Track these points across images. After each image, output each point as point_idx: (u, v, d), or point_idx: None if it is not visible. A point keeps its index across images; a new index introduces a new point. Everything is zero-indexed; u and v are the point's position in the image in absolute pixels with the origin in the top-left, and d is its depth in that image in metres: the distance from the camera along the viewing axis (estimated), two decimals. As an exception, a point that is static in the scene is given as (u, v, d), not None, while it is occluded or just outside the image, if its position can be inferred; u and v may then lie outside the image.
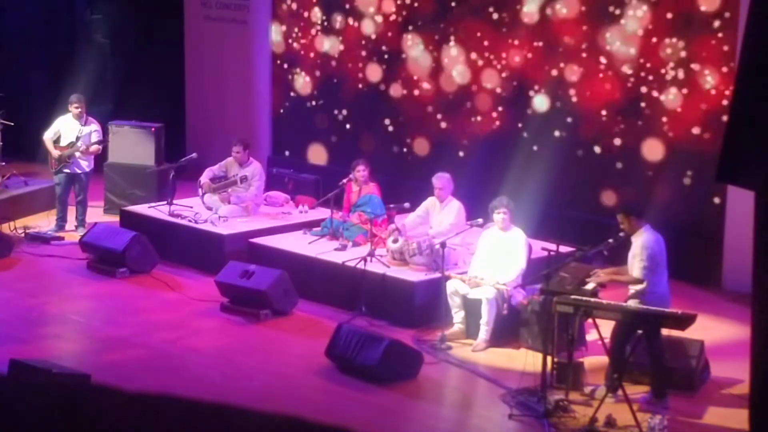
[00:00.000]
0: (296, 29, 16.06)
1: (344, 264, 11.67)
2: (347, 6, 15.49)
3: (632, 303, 9.49)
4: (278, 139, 16.54)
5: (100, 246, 12.90)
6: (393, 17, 15.10)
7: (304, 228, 12.91)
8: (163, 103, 16.81)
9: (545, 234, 11.96)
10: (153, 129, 15.26)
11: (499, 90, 14.25)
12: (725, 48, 12.42)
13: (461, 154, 14.52)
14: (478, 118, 14.46)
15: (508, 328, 10.74)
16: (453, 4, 14.52)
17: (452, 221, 11.75)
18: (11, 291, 12.18)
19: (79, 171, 14.07)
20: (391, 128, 15.26)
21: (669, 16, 12.83)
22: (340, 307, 11.57)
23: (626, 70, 13.18)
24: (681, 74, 12.78)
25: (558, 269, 9.79)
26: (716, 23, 12.49)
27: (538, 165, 13.73)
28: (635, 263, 9.60)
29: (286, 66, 16.27)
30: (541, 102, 13.91)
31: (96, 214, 14.70)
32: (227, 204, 13.35)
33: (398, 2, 15.01)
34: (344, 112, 15.75)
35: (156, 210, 13.55)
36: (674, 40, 12.79)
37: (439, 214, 11.96)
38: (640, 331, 9.36)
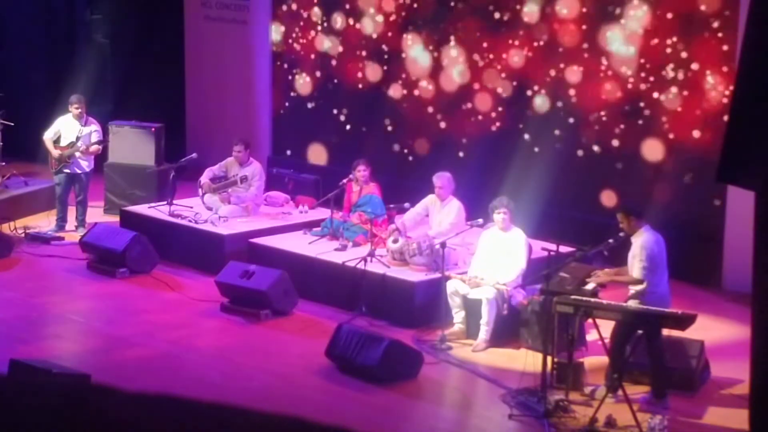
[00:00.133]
0: (296, 29, 16.06)
1: (344, 264, 11.67)
2: (347, 6, 15.49)
3: (632, 303, 9.49)
4: (278, 139, 16.54)
5: (101, 246, 12.90)
6: (393, 17, 15.10)
7: (304, 228, 12.91)
8: (163, 103, 16.81)
9: (545, 234, 11.95)
10: (153, 129, 15.26)
11: (499, 90, 14.25)
12: (725, 48, 12.42)
13: (461, 154, 14.52)
14: (479, 118, 14.46)
15: (508, 329, 10.74)
16: (453, 3, 14.52)
17: (452, 221, 11.75)
18: (11, 291, 12.18)
19: (79, 171, 14.07)
20: (391, 128, 15.26)
21: (669, 16, 12.83)
22: (340, 307, 11.57)
23: (626, 70, 13.18)
24: (681, 74, 12.78)
25: (558, 269, 9.79)
26: (716, 23, 12.49)
27: (538, 165, 13.73)
28: (635, 263, 9.60)
29: (286, 66, 16.27)
30: (541, 102, 13.91)
31: (96, 214, 14.70)
32: (227, 204, 13.35)
33: (398, 2, 15.01)
34: (344, 112, 15.75)
35: (156, 210, 13.55)
36: (674, 40, 12.79)
37: (439, 213, 11.96)
38: (640, 332, 9.36)
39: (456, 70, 14.59)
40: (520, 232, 11.01)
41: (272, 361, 10.46)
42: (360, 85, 15.52)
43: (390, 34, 15.15)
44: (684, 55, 12.74)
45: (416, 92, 14.98)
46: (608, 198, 13.42)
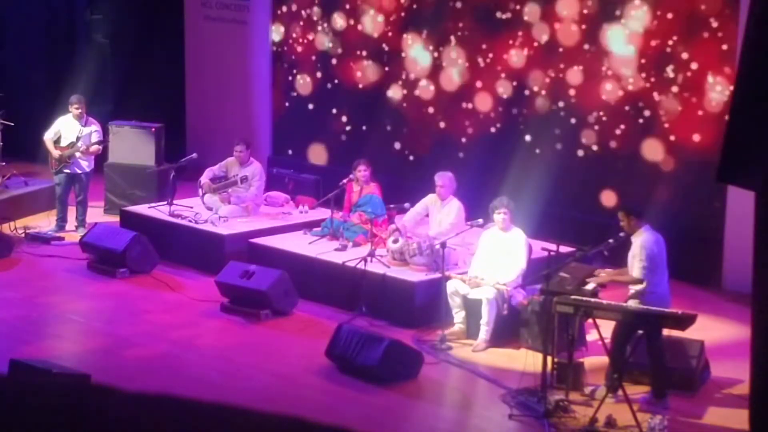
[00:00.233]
0: (296, 29, 16.06)
1: (344, 264, 11.67)
2: (347, 6, 15.49)
3: (632, 303, 9.50)
4: (278, 139, 16.54)
5: (101, 246, 12.90)
6: (393, 17, 15.10)
7: (304, 228, 12.91)
8: (163, 103, 16.81)
9: (545, 234, 11.95)
10: (153, 129, 15.26)
11: (499, 90, 14.25)
12: (725, 48, 12.42)
13: (461, 154, 14.52)
14: (479, 118, 14.46)
15: (509, 329, 10.74)
16: (453, 3, 14.52)
17: (452, 220, 11.75)
18: (11, 291, 12.18)
19: (79, 171, 14.07)
20: (391, 128, 15.26)
21: (669, 16, 12.83)
22: (340, 307, 11.57)
23: (626, 70, 13.18)
24: (681, 75, 12.78)
25: (558, 269, 9.79)
26: (716, 23, 12.49)
27: (538, 165, 13.73)
28: (635, 263, 9.60)
29: (286, 66, 16.27)
30: (541, 102, 13.91)
31: (96, 214, 14.70)
32: (227, 204, 13.35)
33: (398, 2, 15.01)
34: (344, 112, 15.74)
35: (156, 210, 13.55)
36: (674, 40, 12.79)
37: (439, 213, 11.96)
38: (640, 332, 9.36)
39: (456, 70, 14.59)
40: (520, 232, 11.01)
41: (272, 361, 10.46)
42: (360, 85, 15.52)
43: (390, 34, 15.15)
44: (684, 55, 12.74)
45: (416, 92, 14.98)
46: (608, 198, 13.42)
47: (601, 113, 13.44)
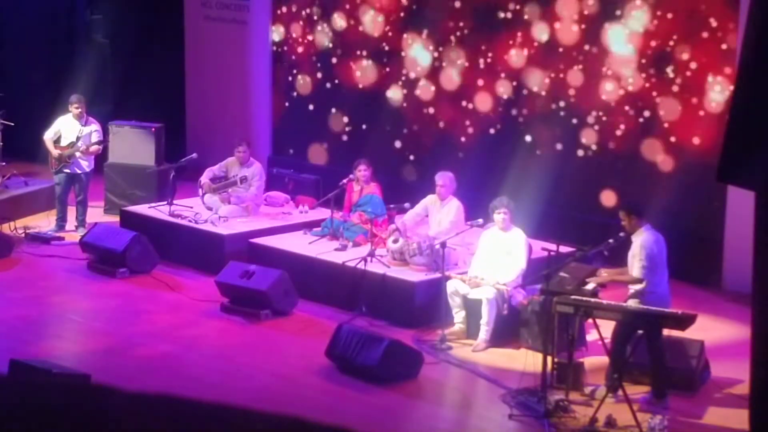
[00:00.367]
0: (296, 29, 16.06)
1: (344, 264, 11.68)
2: (347, 6, 15.48)
3: (632, 303, 9.49)
4: (278, 139, 16.54)
5: (101, 246, 12.90)
6: (393, 17, 15.10)
7: (304, 228, 12.91)
8: (163, 103, 16.81)
9: (545, 234, 11.95)
10: (153, 129, 15.26)
11: (499, 90, 14.25)
12: (725, 48, 12.42)
13: (461, 154, 14.52)
14: (479, 118, 14.46)
15: (508, 329, 10.74)
16: (453, 3, 14.52)
17: (452, 219, 11.75)
18: (11, 291, 12.18)
19: (79, 171, 14.07)
20: (391, 128, 15.25)
21: (669, 16, 12.83)
22: (340, 307, 11.57)
23: (626, 70, 13.18)
24: (681, 75, 12.78)
25: (558, 269, 9.79)
26: (716, 23, 12.49)
27: (538, 165, 13.74)
28: (634, 263, 9.61)
29: (286, 66, 16.27)
30: (541, 102, 13.91)
31: (96, 214, 14.70)
32: (227, 204, 13.35)
33: (398, 2, 15.01)
34: (344, 112, 15.74)
35: (156, 210, 13.55)
36: (675, 40, 12.79)
37: (438, 213, 11.96)
38: (640, 332, 9.36)
39: (456, 70, 14.59)
40: (520, 232, 11.01)
41: (272, 361, 10.45)
42: (360, 85, 15.51)
43: (390, 33, 15.15)
44: (684, 55, 12.74)
45: (416, 92, 14.98)
46: (608, 198, 13.42)
47: (601, 113, 13.44)
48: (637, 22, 13.04)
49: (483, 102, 14.40)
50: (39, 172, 15.83)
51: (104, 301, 12.17)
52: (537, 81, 13.90)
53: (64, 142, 14.08)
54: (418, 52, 14.91)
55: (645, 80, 13.05)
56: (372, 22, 15.29)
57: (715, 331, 11.11)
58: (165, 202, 13.62)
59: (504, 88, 14.20)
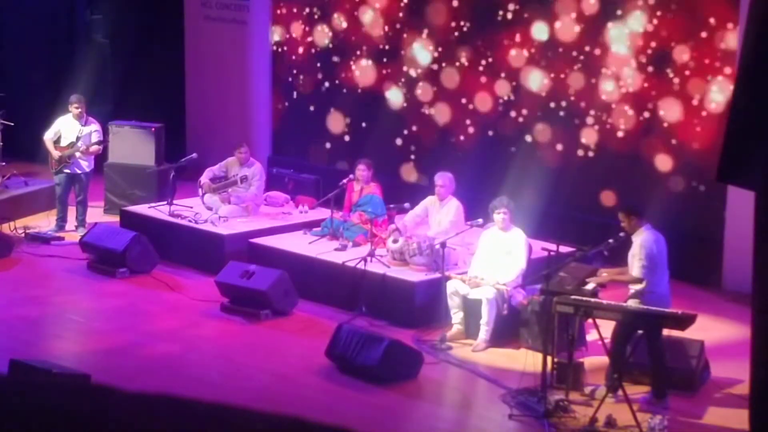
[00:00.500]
0: (296, 29, 16.05)
1: (344, 264, 11.68)
2: (347, 6, 15.48)
3: (632, 303, 9.50)
4: (278, 139, 16.54)
5: (101, 246, 12.90)
6: (393, 17, 15.09)
7: (304, 228, 12.91)
8: (163, 103, 16.81)
9: (545, 234, 11.95)
10: (153, 129, 15.26)
11: (499, 90, 14.24)
12: (725, 48, 12.42)
13: (461, 154, 14.51)
14: (479, 118, 14.46)
15: (508, 328, 10.74)
16: (453, 3, 14.52)
17: (452, 219, 11.75)
18: (11, 291, 12.18)
19: (79, 171, 14.07)
20: (390, 128, 15.24)
21: (669, 16, 12.83)
22: (340, 307, 11.57)
23: (626, 70, 13.18)
24: (681, 74, 12.78)
25: (558, 269, 9.79)
26: (716, 23, 12.49)
27: (538, 165, 13.74)
28: (634, 263, 9.61)
29: (286, 66, 16.26)
30: (541, 102, 13.91)
31: (96, 214, 14.70)
32: (227, 204, 13.35)
33: (399, 2, 15.01)
34: (344, 112, 15.74)
35: (156, 210, 13.55)
36: (675, 40, 12.79)
37: (438, 213, 11.96)
38: (640, 331, 9.36)
39: (456, 70, 14.58)
40: (520, 232, 11.01)
41: (272, 361, 10.46)
42: (360, 85, 15.51)
43: (390, 34, 15.14)
44: (684, 55, 12.74)
45: (416, 92, 14.98)
46: (608, 198, 13.42)
47: (601, 113, 13.44)
48: (637, 22, 13.04)
49: (483, 102, 14.40)
50: (39, 172, 15.83)
51: (104, 301, 12.17)
52: (537, 81, 13.90)
53: (64, 143, 14.08)
54: (418, 52, 14.91)
55: (645, 80, 13.05)
56: (372, 22, 15.29)
57: (715, 331, 11.11)
58: (165, 202, 13.62)
59: (504, 88, 14.20)
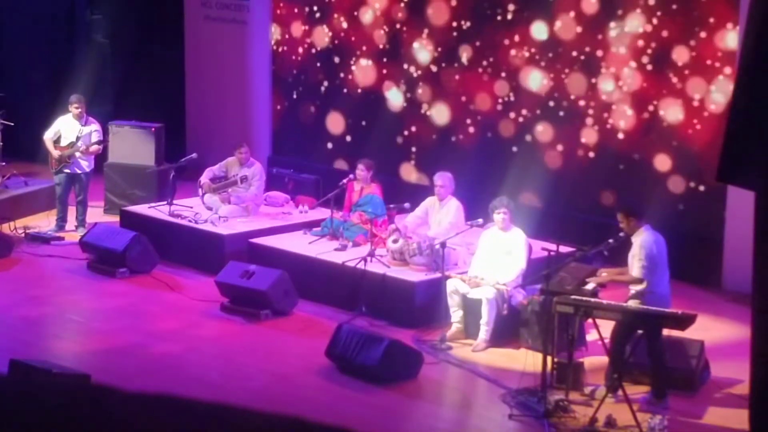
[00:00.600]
0: (296, 29, 16.05)
1: (344, 264, 11.68)
2: (347, 5, 15.48)
3: (632, 303, 9.49)
4: (278, 139, 16.54)
5: (101, 246, 12.90)
6: (394, 17, 15.09)
7: (304, 228, 12.91)
8: (163, 103, 16.81)
9: (545, 234, 11.96)
10: (153, 129, 15.26)
11: (499, 90, 14.24)
12: (725, 48, 12.42)
13: (461, 154, 14.51)
14: (479, 118, 14.46)
15: (508, 328, 10.74)
16: (454, 3, 14.52)
17: (451, 219, 11.75)
18: (11, 291, 12.18)
19: (79, 171, 14.07)
20: (390, 128, 15.24)
21: (670, 16, 12.83)
22: (340, 307, 11.57)
23: (627, 70, 13.18)
24: (681, 75, 12.78)
25: (558, 269, 9.79)
26: (716, 23, 12.49)
27: (538, 165, 13.74)
28: (634, 263, 9.61)
29: (286, 66, 16.26)
30: (541, 102, 13.91)
31: (96, 214, 14.70)
32: (227, 204, 13.35)
33: (399, 3, 15.01)
34: (344, 111, 15.74)
35: (156, 210, 13.55)
36: (675, 40, 12.79)
37: (438, 213, 11.96)
38: (640, 332, 9.36)
39: (456, 69, 14.58)
40: (520, 232, 11.01)
41: (272, 361, 10.46)
42: (360, 85, 15.51)
43: (390, 33, 15.14)
44: (684, 55, 12.74)
45: (416, 92, 14.98)
46: (608, 198, 13.42)
47: (601, 113, 13.44)
48: (637, 21, 13.04)
49: (483, 102, 14.40)
50: (39, 172, 15.83)
51: (104, 301, 12.17)
52: (537, 81, 13.90)
53: (64, 142, 14.08)
54: (418, 52, 14.91)
55: (645, 80, 13.05)
56: (372, 22, 15.29)
57: (715, 331, 11.11)
58: (165, 202, 13.62)
59: (504, 88, 14.20)
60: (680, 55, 12.76)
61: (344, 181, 12.72)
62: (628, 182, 13.24)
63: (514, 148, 14.06)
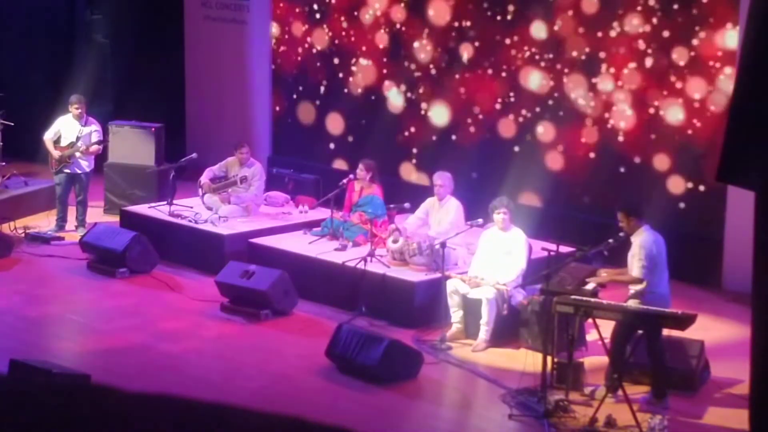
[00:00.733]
0: (296, 29, 16.05)
1: (344, 264, 11.68)
2: (348, 5, 15.48)
3: (632, 303, 9.49)
4: (278, 139, 16.54)
5: (100, 246, 12.90)
6: (394, 17, 15.09)
7: (304, 228, 12.91)
8: (163, 103, 16.81)
9: (545, 234, 11.96)
10: (153, 129, 15.26)
11: (499, 90, 14.24)
12: (725, 48, 12.42)
13: (461, 154, 14.51)
14: (479, 118, 14.46)
15: (508, 328, 10.74)
16: (454, 3, 14.52)
17: (451, 219, 11.75)
18: (11, 291, 12.18)
19: (79, 171, 14.07)
20: (391, 128, 15.24)
21: (670, 16, 12.83)
22: (340, 307, 11.57)
23: (627, 70, 13.18)
24: (682, 74, 12.78)
25: (558, 269, 9.78)
26: (716, 23, 12.49)
27: (538, 165, 13.74)
28: (634, 263, 9.61)
29: (286, 66, 16.26)
30: (541, 102, 13.91)
31: (96, 214, 14.70)
32: (227, 204, 13.35)
33: (399, 3, 15.01)
34: (344, 111, 15.74)
35: (156, 210, 13.55)
36: (675, 40, 12.79)
37: (437, 212, 11.96)
38: (640, 331, 9.36)
39: (456, 69, 14.58)
40: (520, 232, 11.01)
41: (272, 361, 10.46)
42: (360, 85, 15.51)
43: (391, 33, 15.14)
44: (684, 55, 12.74)
45: (416, 92, 14.98)
46: (609, 198, 13.40)
47: (602, 113, 13.44)
48: (637, 21, 13.04)
49: (483, 102, 14.40)
50: (39, 172, 15.83)
51: (104, 301, 12.17)
52: (537, 81, 13.90)
53: (64, 143, 14.09)
54: (418, 52, 14.91)
55: (646, 80, 13.05)
56: (372, 21, 15.29)
57: (715, 331, 11.11)
58: (165, 202, 13.62)
59: (504, 88, 14.20)
60: (680, 55, 12.77)
61: (344, 181, 12.72)
62: (628, 182, 13.24)
63: (515, 148, 14.06)
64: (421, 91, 14.94)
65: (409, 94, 15.07)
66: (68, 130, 14.13)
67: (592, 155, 13.61)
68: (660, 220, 10.86)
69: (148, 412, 2.21)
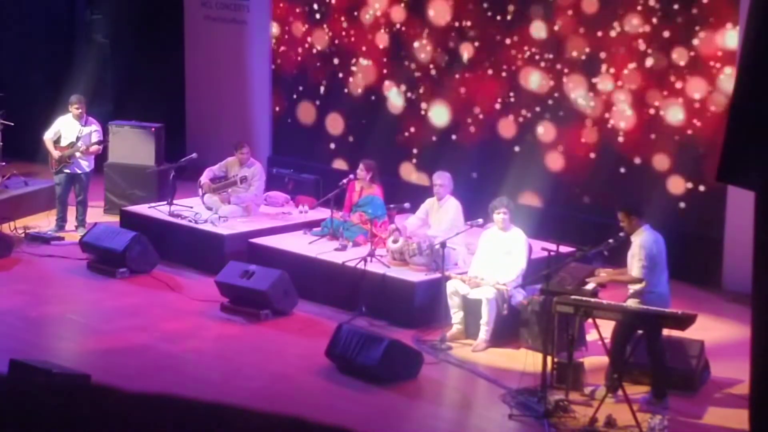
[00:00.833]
0: (296, 29, 16.05)
1: (344, 264, 11.68)
2: (348, 5, 15.48)
3: (632, 303, 9.49)
4: (278, 139, 16.54)
5: (100, 246, 12.90)
6: (394, 17, 15.09)
7: (304, 228, 12.91)
8: (163, 103, 16.81)
9: (545, 234, 11.96)
10: (153, 129, 15.26)
11: (499, 90, 14.24)
12: (725, 48, 12.42)
13: (461, 154, 14.51)
14: (479, 118, 14.46)
15: (508, 328, 10.74)
16: (454, 3, 14.52)
17: (451, 218, 11.75)
18: (11, 291, 12.18)
19: (79, 171, 14.07)
20: (391, 128, 15.25)
21: (670, 16, 12.83)
22: (340, 307, 11.57)
23: (627, 70, 13.18)
24: (682, 75, 12.78)
25: (558, 269, 9.78)
26: (716, 23, 12.49)
27: (538, 165, 13.74)
28: (634, 263, 9.61)
29: (286, 66, 16.26)
30: (541, 102, 13.91)
31: (96, 214, 14.70)
32: (227, 204, 13.35)
33: (399, 3, 15.01)
34: (344, 111, 15.74)
35: (156, 210, 13.55)
36: (675, 41, 12.79)
37: (437, 212, 11.96)
38: (640, 332, 9.36)
39: (456, 69, 14.58)
40: (520, 232, 11.01)
41: (272, 361, 10.46)
42: (361, 85, 15.51)
43: (391, 33, 15.14)
44: (684, 55, 12.74)
45: (417, 92, 14.98)
46: (608, 198, 13.40)
47: (603, 114, 13.44)
48: (637, 21, 13.03)
49: (483, 102, 14.40)
50: (39, 172, 15.83)
51: (104, 300, 12.17)
52: (537, 81, 13.90)
53: (64, 143, 14.09)
54: (418, 52, 14.91)
55: (646, 80, 13.05)
56: (372, 22, 15.29)
57: (715, 331, 11.11)
58: (165, 202, 13.62)
59: (504, 88, 14.20)
60: (680, 55, 12.77)
61: (344, 181, 12.71)
62: (628, 182, 13.24)
63: (515, 148, 14.06)
64: (421, 91, 14.94)
65: (409, 94, 15.07)
66: (68, 130, 14.13)
67: (592, 155, 13.61)
68: (660, 220, 10.86)
69: (148, 412, 2.21)
